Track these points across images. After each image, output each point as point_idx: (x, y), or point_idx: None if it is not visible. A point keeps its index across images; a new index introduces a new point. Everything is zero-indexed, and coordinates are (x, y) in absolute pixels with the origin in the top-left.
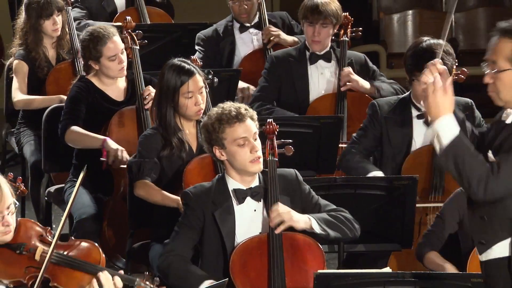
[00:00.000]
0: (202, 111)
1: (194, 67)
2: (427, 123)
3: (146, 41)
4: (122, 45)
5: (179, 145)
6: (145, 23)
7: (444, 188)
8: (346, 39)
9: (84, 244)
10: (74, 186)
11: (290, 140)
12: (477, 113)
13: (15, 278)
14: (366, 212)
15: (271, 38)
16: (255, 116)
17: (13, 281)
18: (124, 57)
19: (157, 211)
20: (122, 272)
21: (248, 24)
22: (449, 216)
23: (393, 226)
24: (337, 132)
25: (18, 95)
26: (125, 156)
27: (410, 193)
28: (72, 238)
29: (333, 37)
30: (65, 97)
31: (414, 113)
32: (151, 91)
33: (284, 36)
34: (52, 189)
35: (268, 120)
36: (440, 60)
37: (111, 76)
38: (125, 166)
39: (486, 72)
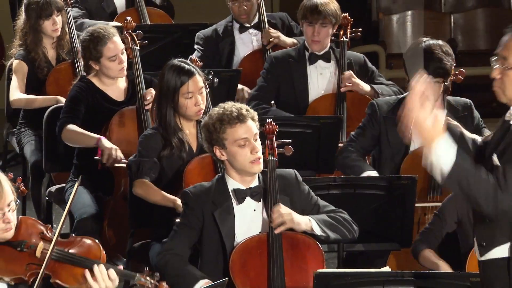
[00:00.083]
0: (202, 111)
1: (194, 68)
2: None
3: (146, 41)
4: (122, 46)
5: (179, 145)
6: (146, 24)
7: (442, 188)
8: (346, 39)
9: (84, 240)
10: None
11: (290, 140)
12: (476, 113)
13: (16, 275)
14: (366, 211)
15: (271, 40)
16: (256, 117)
17: (14, 278)
18: (124, 57)
19: (158, 211)
20: (121, 267)
21: (247, 25)
22: (447, 215)
23: (392, 226)
24: (336, 132)
25: (16, 94)
26: (119, 155)
27: (409, 193)
28: (73, 235)
29: (332, 38)
30: (62, 98)
31: None
32: (153, 93)
33: (283, 37)
34: (53, 188)
35: (267, 120)
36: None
37: (112, 76)
38: (119, 165)
39: (494, 67)
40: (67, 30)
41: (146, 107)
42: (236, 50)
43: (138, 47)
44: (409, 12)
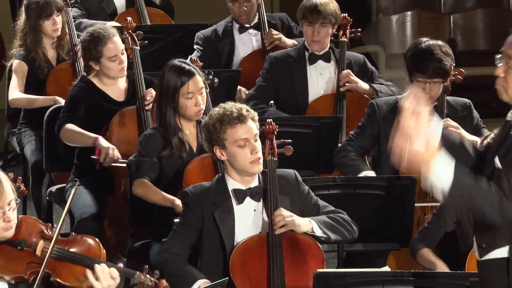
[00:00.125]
0: (202, 111)
1: (194, 68)
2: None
3: (146, 41)
4: (122, 46)
5: (179, 145)
6: (146, 24)
7: None
8: (345, 39)
9: (84, 239)
10: (75, 186)
11: (290, 140)
12: (475, 113)
13: (16, 274)
14: (365, 211)
15: (272, 41)
16: (256, 117)
17: (14, 277)
18: (124, 57)
19: (158, 210)
20: (121, 265)
21: (247, 25)
22: (447, 215)
23: (392, 226)
24: (336, 132)
25: (14, 93)
26: (116, 154)
27: (409, 193)
28: (73, 233)
29: (332, 38)
30: (60, 99)
31: None
32: (153, 94)
33: (284, 39)
34: (53, 188)
35: (267, 120)
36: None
37: (112, 77)
38: (116, 164)
39: (499, 65)
40: (67, 30)
41: (146, 107)
42: (236, 50)
43: (139, 47)
44: (409, 13)
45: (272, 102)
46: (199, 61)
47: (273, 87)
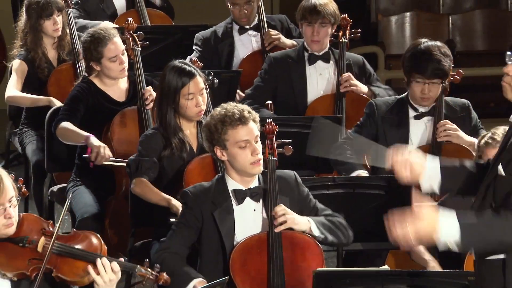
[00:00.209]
0: (203, 112)
1: (195, 69)
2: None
3: (147, 42)
4: (122, 46)
5: (179, 146)
6: (147, 25)
7: None
8: (345, 40)
9: (85, 235)
10: (77, 185)
11: (289, 140)
12: (474, 114)
13: (18, 271)
14: (365, 211)
15: (271, 41)
16: (258, 119)
17: (16, 273)
18: (125, 58)
19: (158, 210)
20: (122, 259)
21: (247, 26)
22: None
23: None
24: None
25: (10, 91)
26: (108, 153)
27: (408, 193)
28: (74, 230)
29: (332, 38)
30: (54, 100)
31: (411, 113)
32: (152, 92)
33: (284, 39)
34: (55, 188)
35: (267, 120)
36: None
37: (112, 77)
38: (108, 163)
39: (508, 63)
40: (67, 31)
41: (147, 107)
42: (235, 51)
43: (139, 48)
44: (408, 14)
45: (270, 102)
46: (199, 62)
47: (271, 88)
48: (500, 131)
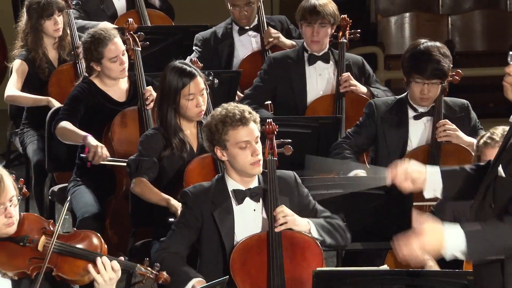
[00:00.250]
0: (203, 112)
1: (195, 69)
2: (423, 122)
3: (148, 42)
4: (123, 47)
5: (180, 146)
6: (147, 25)
7: None
8: (345, 41)
9: (85, 234)
10: (77, 185)
11: (289, 140)
12: (473, 114)
13: (19, 270)
14: (364, 211)
15: (270, 40)
16: (258, 119)
17: (17, 272)
18: (125, 58)
19: (159, 210)
20: (122, 258)
21: (247, 27)
22: (443, 213)
23: (391, 225)
24: (335, 132)
25: (10, 90)
26: (105, 152)
27: (407, 192)
28: (74, 229)
29: (331, 39)
30: (53, 100)
31: (411, 113)
32: (152, 91)
33: (283, 39)
34: (55, 188)
35: (267, 120)
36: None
37: (113, 77)
38: (105, 162)
39: (511, 63)
40: (68, 31)
41: (148, 107)
42: (235, 52)
43: (140, 49)
44: (407, 14)
45: (270, 102)
46: (199, 62)
47: (270, 88)
48: (499, 131)
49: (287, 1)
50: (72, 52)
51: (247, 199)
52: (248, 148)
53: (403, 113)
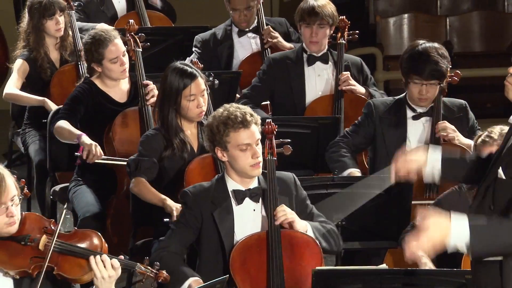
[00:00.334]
0: (204, 113)
1: (196, 70)
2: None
3: (148, 43)
4: (123, 48)
5: (180, 146)
6: (148, 26)
7: (438, 186)
8: (343, 41)
9: (86, 233)
10: (79, 185)
11: (289, 140)
12: (471, 114)
13: (20, 269)
14: (363, 210)
15: (269, 39)
16: (259, 121)
17: (19, 271)
18: (126, 59)
19: (159, 209)
20: (122, 257)
21: (246, 29)
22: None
23: (390, 224)
24: (334, 132)
25: (9, 88)
26: (99, 151)
27: (406, 191)
28: (75, 228)
29: (330, 40)
30: (49, 101)
31: (409, 114)
32: (154, 88)
33: (282, 41)
34: (57, 188)
35: (267, 120)
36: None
37: (114, 78)
38: (100, 161)
39: None
40: (69, 31)
41: (148, 102)
42: (235, 53)
43: (141, 49)
44: (406, 15)
45: (268, 103)
46: (199, 63)
47: (268, 88)
48: (496, 129)
49: (287, 3)
50: (74, 53)
51: (247, 199)
52: (248, 150)
53: (401, 113)
